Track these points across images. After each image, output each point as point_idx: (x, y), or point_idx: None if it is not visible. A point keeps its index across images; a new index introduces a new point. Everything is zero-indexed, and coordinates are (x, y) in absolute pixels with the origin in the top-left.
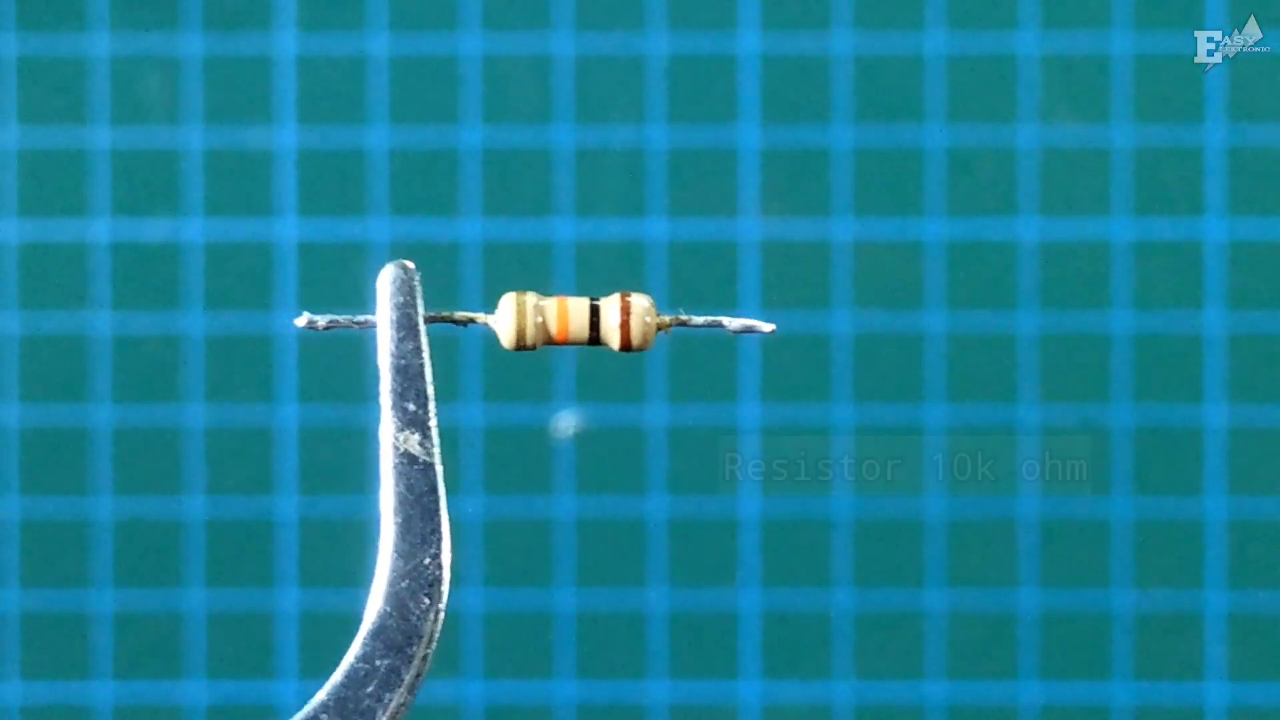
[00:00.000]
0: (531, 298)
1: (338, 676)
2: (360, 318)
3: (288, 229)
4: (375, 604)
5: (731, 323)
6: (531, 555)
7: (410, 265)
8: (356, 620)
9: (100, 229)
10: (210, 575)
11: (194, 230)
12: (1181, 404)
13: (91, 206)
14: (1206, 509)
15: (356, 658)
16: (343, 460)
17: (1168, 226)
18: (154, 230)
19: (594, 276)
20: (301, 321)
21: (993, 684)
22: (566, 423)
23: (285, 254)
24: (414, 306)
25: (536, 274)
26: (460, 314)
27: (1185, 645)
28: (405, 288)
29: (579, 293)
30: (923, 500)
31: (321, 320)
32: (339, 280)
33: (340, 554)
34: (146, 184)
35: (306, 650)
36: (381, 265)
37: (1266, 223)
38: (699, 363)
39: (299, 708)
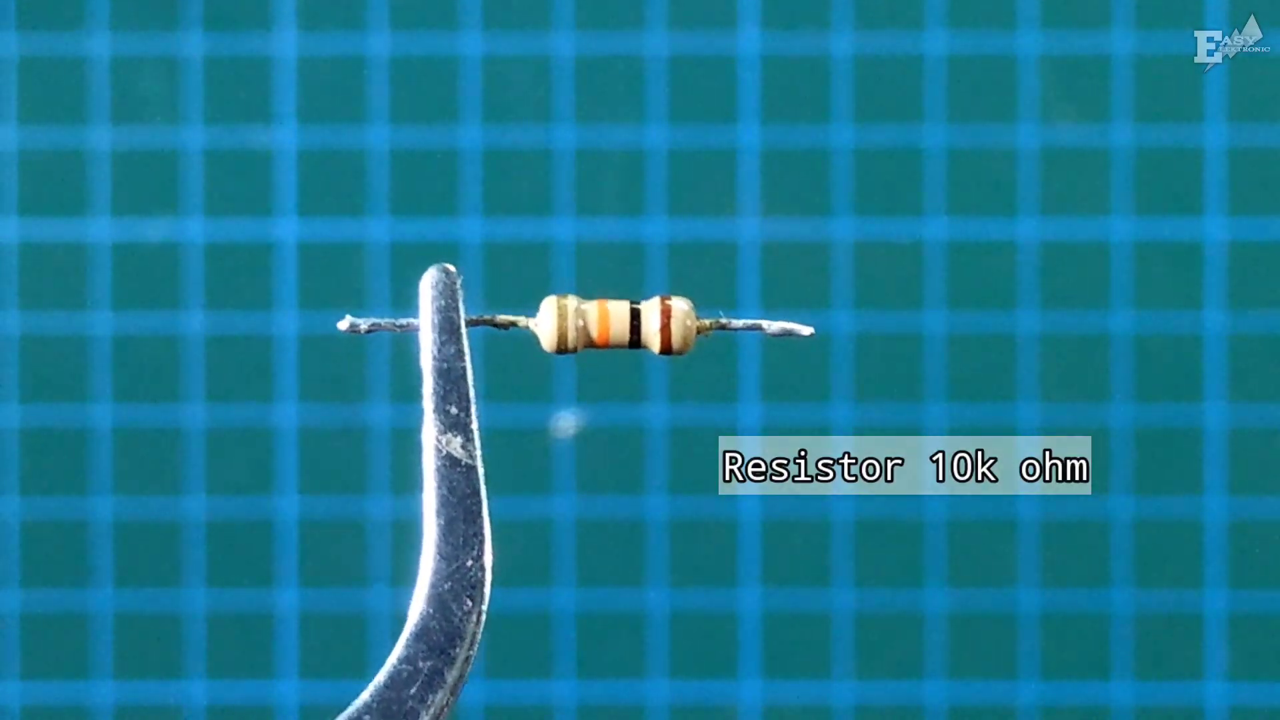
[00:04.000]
0: (572, 301)
1: (381, 678)
2: (402, 321)
3: (288, 229)
4: (418, 606)
5: (771, 326)
6: (531, 555)
7: (452, 269)
8: (357, 620)
9: (100, 229)
10: (210, 575)
11: (194, 230)
12: (1181, 404)
13: (91, 206)
14: (1206, 509)
15: (399, 659)
16: (343, 460)
17: (1168, 226)
18: (154, 230)
19: (594, 276)
20: (344, 325)
21: (993, 684)
22: (566, 423)
23: (285, 254)
24: (456, 310)
25: (536, 274)
26: (502, 317)
27: (1185, 645)
28: (447, 291)
29: (579, 293)
30: (923, 500)
31: (364, 324)
32: (339, 280)
33: (340, 554)
34: (146, 184)
35: (306, 650)
36: (381, 265)
37: (1266, 223)
38: (698, 363)
39: (299, 708)
